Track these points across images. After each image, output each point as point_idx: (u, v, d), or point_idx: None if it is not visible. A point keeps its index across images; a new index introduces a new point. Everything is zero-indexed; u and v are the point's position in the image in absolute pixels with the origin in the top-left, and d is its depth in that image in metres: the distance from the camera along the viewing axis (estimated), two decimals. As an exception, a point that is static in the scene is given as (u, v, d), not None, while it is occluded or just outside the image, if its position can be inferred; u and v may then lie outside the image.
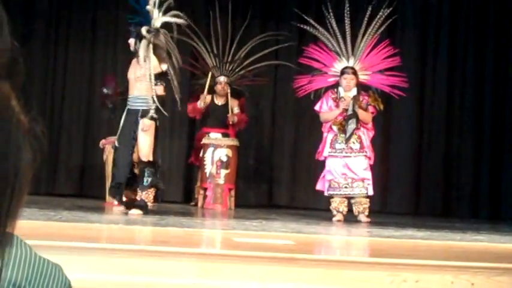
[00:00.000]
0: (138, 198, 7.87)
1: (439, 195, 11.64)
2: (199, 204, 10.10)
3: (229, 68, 10.41)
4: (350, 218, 8.75)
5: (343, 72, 8.81)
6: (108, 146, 9.60)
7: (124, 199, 8.01)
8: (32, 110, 0.97)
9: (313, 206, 10.95)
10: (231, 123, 10.18)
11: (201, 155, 10.17)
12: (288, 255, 4.48)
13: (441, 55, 11.78)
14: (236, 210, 9.86)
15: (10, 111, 0.94)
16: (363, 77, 8.91)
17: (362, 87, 8.88)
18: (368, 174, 8.73)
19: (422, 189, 11.66)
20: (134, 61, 7.91)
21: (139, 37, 7.74)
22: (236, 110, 10.33)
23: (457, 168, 11.73)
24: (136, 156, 7.79)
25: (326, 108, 8.85)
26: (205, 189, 10.04)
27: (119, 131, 7.97)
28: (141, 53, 7.67)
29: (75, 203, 8.96)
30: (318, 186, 8.97)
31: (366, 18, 9.01)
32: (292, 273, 4.29)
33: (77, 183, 11.27)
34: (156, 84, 7.66)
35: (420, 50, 11.78)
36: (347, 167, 8.72)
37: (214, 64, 10.37)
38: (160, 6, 7.88)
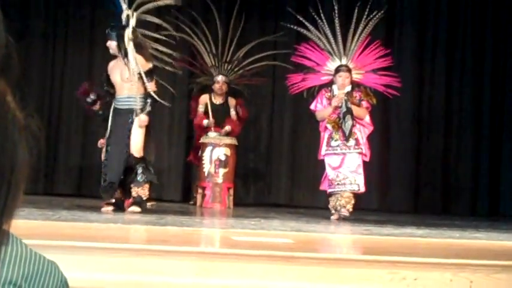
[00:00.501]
0: (134, 194, 7.91)
1: (438, 193, 11.64)
2: (198, 203, 10.10)
3: (228, 68, 10.41)
4: (351, 216, 8.73)
5: (338, 70, 8.81)
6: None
7: (112, 200, 8.05)
8: (27, 106, 0.96)
9: (312, 205, 10.95)
10: (223, 134, 10.14)
11: (199, 153, 10.17)
12: (287, 254, 4.48)
13: (439, 53, 11.78)
14: (235, 209, 9.86)
15: (5, 107, 0.93)
16: (356, 76, 8.91)
17: (355, 84, 8.88)
18: (360, 171, 8.70)
19: (421, 187, 11.66)
20: (116, 63, 7.95)
21: (121, 39, 7.81)
22: (233, 111, 10.31)
23: (455, 166, 11.73)
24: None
25: (321, 107, 8.84)
26: (203, 188, 10.04)
27: (109, 131, 7.98)
28: (131, 54, 7.74)
29: (74, 203, 8.95)
30: (322, 187, 8.94)
31: (354, 18, 9.01)
32: (291, 271, 4.29)
33: (76, 183, 11.26)
34: (148, 82, 7.76)
35: (418, 49, 11.78)
36: (340, 164, 8.70)
37: (213, 63, 10.37)
38: (130, 5, 7.98)
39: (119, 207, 8.00)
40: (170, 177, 11.25)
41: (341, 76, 8.76)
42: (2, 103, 0.93)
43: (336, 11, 8.90)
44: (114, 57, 8.03)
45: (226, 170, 9.98)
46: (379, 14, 9.01)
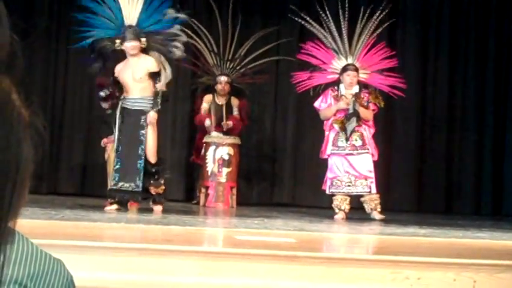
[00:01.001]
0: (153, 193, 8.12)
1: (441, 192, 11.63)
2: (201, 202, 10.10)
3: (230, 66, 10.40)
4: (354, 215, 8.73)
5: (345, 69, 8.80)
6: (110, 145, 9.59)
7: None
8: (32, 104, 0.97)
9: (315, 204, 10.93)
10: (225, 129, 10.14)
11: (202, 153, 10.17)
12: (290, 253, 4.48)
13: (442, 53, 11.77)
14: (238, 208, 9.86)
15: (10, 105, 0.94)
16: (362, 76, 8.90)
17: (362, 85, 8.88)
18: (371, 172, 8.71)
19: (424, 186, 11.65)
20: (126, 64, 8.06)
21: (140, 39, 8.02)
22: (235, 111, 10.31)
23: (459, 165, 11.72)
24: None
25: (325, 106, 8.83)
26: (207, 188, 10.04)
27: (119, 132, 8.00)
28: (155, 57, 8.03)
29: (77, 202, 8.95)
30: (324, 186, 8.94)
31: (360, 18, 9.01)
32: (294, 271, 4.29)
33: (79, 182, 11.27)
34: (159, 81, 7.97)
35: (421, 49, 11.77)
36: (350, 164, 8.70)
37: (215, 62, 10.37)
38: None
39: (123, 207, 8.02)
40: (173, 177, 11.24)
41: (349, 75, 8.75)
42: (7, 101, 0.94)
43: (341, 10, 8.91)
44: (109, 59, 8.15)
45: (229, 169, 9.98)
46: (382, 13, 9.01)
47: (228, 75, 10.32)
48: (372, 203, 8.71)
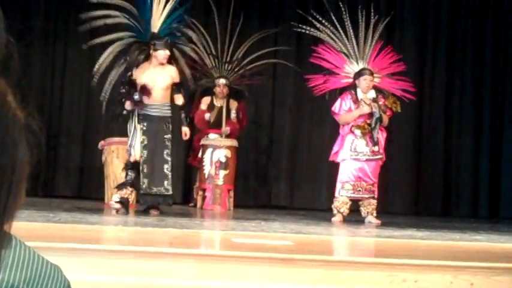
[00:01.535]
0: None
1: (439, 195, 11.64)
2: (198, 205, 10.09)
3: (228, 68, 10.40)
4: (352, 218, 8.74)
5: (361, 73, 8.79)
6: (108, 148, 9.59)
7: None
8: (28, 106, 0.96)
9: (312, 207, 10.93)
10: (223, 136, 10.14)
11: (199, 155, 10.16)
12: (287, 256, 4.48)
13: (439, 56, 11.77)
14: (235, 211, 9.85)
15: (6, 107, 0.93)
16: (375, 80, 8.91)
17: (376, 89, 8.88)
18: (376, 178, 8.77)
19: (421, 189, 11.66)
20: (150, 70, 8.17)
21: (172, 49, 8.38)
22: (233, 114, 10.31)
23: (456, 168, 11.73)
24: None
25: (345, 110, 8.80)
26: (204, 190, 10.03)
27: (145, 137, 8.07)
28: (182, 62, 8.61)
29: (74, 205, 8.95)
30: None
31: (363, 23, 9.02)
32: (291, 273, 4.29)
33: (76, 185, 11.25)
34: (180, 93, 8.41)
35: (418, 50, 11.77)
36: (364, 170, 8.70)
37: (213, 65, 10.37)
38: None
39: (126, 207, 8.05)
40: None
41: (365, 79, 8.74)
42: (3, 103, 0.93)
43: (346, 14, 8.97)
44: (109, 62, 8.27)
45: (226, 171, 9.97)
46: (385, 18, 9.07)
47: (227, 78, 10.32)
48: (370, 206, 8.72)
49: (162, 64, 8.20)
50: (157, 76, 8.16)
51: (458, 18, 11.82)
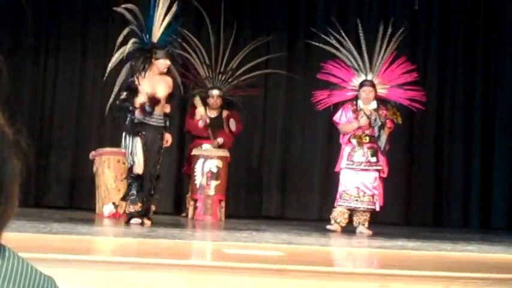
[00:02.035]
0: (153, 209, 8.42)
1: (430, 205, 11.65)
2: (190, 215, 10.07)
3: (222, 79, 10.40)
4: (344, 228, 8.74)
5: (362, 85, 8.85)
6: (99, 158, 9.58)
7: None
8: (17, 123, 0.96)
9: (304, 217, 10.94)
10: (216, 146, 10.14)
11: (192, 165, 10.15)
12: (279, 267, 4.48)
13: (430, 64, 11.79)
14: (226, 221, 9.84)
15: (-5, 124, 0.93)
16: (381, 91, 8.95)
17: (380, 101, 8.92)
18: (377, 189, 8.77)
19: (412, 199, 11.66)
20: (151, 79, 8.18)
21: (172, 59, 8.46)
22: (226, 124, 10.30)
23: (447, 178, 11.74)
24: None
25: (345, 120, 8.85)
26: (195, 201, 10.02)
27: (143, 146, 8.07)
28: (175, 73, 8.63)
29: (65, 215, 8.92)
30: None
31: (380, 35, 9.07)
32: (283, 284, 4.28)
33: (67, 195, 11.21)
34: (170, 102, 8.44)
35: (410, 60, 11.77)
36: (360, 180, 8.73)
37: (207, 75, 10.37)
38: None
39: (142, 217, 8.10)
40: (162, 190, 11.22)
41: (365, 91, 8.81)
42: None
43: (360, 27, 9.05)
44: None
45: (218, 182, 9.96)
46: (403, 31, 9.13)
47: (220, 89, 10.32)
48: (362, 217, 8.74)
49: (161, 74, 8.23)
50: (158, 86, 8.19)
51: (449, 26, 11.85)
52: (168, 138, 8.34)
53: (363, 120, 8.74)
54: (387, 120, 8.83)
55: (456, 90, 11.82)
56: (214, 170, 9.92)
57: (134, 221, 7.94)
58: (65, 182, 11.19)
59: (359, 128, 8.78)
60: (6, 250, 1.02)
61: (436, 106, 11.74)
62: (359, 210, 8.73)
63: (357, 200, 8.72)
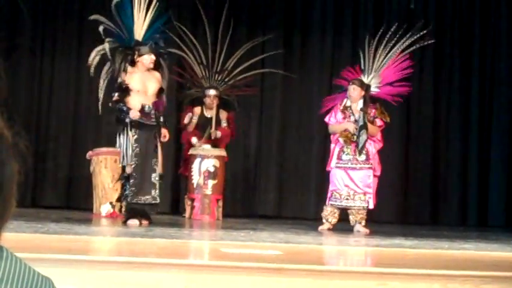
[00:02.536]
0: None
1: (427, 203, 11.65)
2: (187, 215, 10.08)
3: (218, 78, 10.40)
4: (341, 227, 8.75)
5: (350, 83, 8.90)
6: (96, 158, 9.58)
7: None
8: (15, 125, 0.96)
9: (301, 216, 10.94)
10: (213, 138, 10.15)
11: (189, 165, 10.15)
12: (276, 266, 4.48)
13: (427, 64, 11.79)
14: (224, 220, 9.84)
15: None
16: (373, 90, 8.99)
17: (371, 99, 8.95)
18: (370, 188, 8.78)
19: (409, 197, 11.67)
20: (139, 77, 8.12)
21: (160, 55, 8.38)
22: (224, 123, 10.31)
23: (444, 176, 11.75)
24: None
25: (334, 121, 8.90)
26: (192, 200, 10.02)
27: (136, 146, 8.01)
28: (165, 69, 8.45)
29: (63, 215, 8.91)
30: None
31: (388, 36, 9.16)
32: (280, 283, 4.29)
33: (64, 195, 11.21)
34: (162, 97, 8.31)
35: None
36: (350, 179, 8.75)
37: (203, 74, 10.37)
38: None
39: (144, 220, 8.03)
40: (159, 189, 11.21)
41: (349, 89, 8.87)
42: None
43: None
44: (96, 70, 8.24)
45: (215, 181, 9.96)
46: (413, 35, 9.21)
47: (217, 88, 10.32)
48: (358, 215, 8.75)
49: (148, 70, 8.17)
50: (148, 82, 8.15)
51: (445, 30, 11.85)
52: (165, 133, 8.26)
53: (349, 125, 8.78)
54: (377, 119, 8.85)
55: (452, 87, 11.82)
56: (212, 169, 9.92)
57: (131, 221, 7.91)
58: (62, 182, 11.18)
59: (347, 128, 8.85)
60: (4, 251, 1.02)
61: (433, 104, 11.75)
62: (353, 208, 8.75)
63: (347, 199, 8.74)
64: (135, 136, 8.03)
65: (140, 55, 8.12)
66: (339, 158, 8.83)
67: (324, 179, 9.16)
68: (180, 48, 10.29)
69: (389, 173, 11.52)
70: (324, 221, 8.81)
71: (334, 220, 8.79)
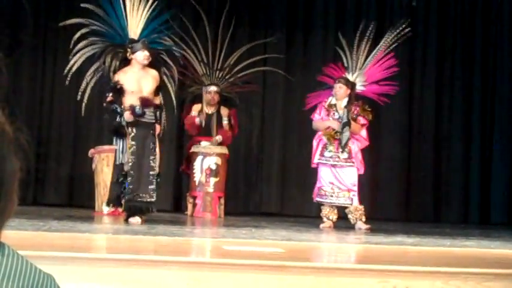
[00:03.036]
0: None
1: (429, 201, 11.65)
2: (189, 212, 10.08)
3: (219, 76, 10.40)
4: (342, 225, 8.76)
5: (336, 81, 8.92)
6: (98, 156, 9.57)
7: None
8: (16, 120, 0.96)
9: (303, 214, 10.94)
10: (214, 144, 10.13)
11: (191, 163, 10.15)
12: (278, 263, 4.48)
13: (430, 63, 11.80)
14: (226, 218, 9.85)
15: (-6, 122, 0.93)
16: (359, 88, 9.01)
17: (356, 97, 8.96)
18: (355, 185, 8.79)
19: (411, 195, 11.67)
20: (134, 74, 8.04)
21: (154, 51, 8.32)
22: (225, 120, 10.30)
23: (446, 173, 11.75)
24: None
25: (319, 118, 8.93)
26: (194, 198, 10.02)
27: (133, 143, 7.97)
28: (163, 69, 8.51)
29: (65, 213, 8.92)
30: (314, 195, 9.03)
31: (360, 34, 9.15)
32: (282, 281, 4.28)
33: (66, 193, 11.21)
34: (159, 95, 8.28)
35: (408, 59, 11.77)
36: (335, 176, 8.78)
37: (204, 72, 10.37)
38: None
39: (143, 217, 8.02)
40: (161, 187, 11.21)
41: (335, 87, 8.89)
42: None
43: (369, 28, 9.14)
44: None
45: (217, 179, 9.96)
46: (399, 33, 9.20)
47: (218, 85, 10.32)
48: (357, 213, 8.77)
49: (144, 68, 8.07)
50: (143, 80, 8.05)
51: (447, 30, 11.85)
52: (157, 129, 8.16)
53: (333, 123, 8.78)
54: (360, 117, 8.87)
55: (454, 86, 11.82)
56: (213, 167, 9.93)
57: (133, 218, 7.90)
58: (64, 179, 11.19)
59: (329, 126, 8.87)
60: (6, 248, 1.02)
61: (435, 104, 11.75)
62: (348, 207, 8.77)
63: (332, 196, 8.77)
64: (132, 134, 7.99)
65: (133, 52, 8.02)
66: (322, 154, 8.87)
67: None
68: (180, 46, 10.28)
69: (391, 170, 11.54)
70: (324, 219, 8.82)
71: (334, 217, 8.81)
